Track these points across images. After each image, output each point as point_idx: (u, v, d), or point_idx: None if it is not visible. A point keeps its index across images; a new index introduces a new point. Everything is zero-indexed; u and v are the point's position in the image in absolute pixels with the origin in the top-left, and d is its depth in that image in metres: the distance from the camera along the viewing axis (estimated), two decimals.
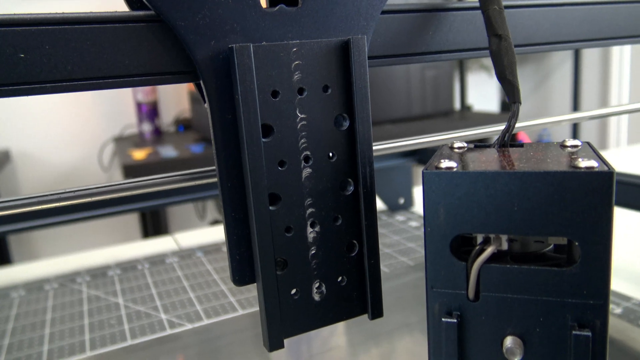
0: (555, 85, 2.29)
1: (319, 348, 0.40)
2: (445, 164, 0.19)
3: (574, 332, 0.18)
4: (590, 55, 2.15)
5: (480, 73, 2.33)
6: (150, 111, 1.60)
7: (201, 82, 0.21)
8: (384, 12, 0.24)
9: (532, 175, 0.18)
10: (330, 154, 0.23)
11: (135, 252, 0.64)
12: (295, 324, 0.23)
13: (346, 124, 0.23)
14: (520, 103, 0.23)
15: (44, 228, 0.58)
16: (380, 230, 0.64)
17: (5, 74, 0.18)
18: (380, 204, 0.71)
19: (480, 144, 0.24)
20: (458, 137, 0.26)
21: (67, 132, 1.65)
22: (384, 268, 0.52)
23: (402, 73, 1.73)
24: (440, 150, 0.23)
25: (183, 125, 1.73)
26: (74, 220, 0.59)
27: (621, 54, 2.06)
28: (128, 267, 0.60)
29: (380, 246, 0.59)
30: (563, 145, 0.22)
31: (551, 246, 0.21)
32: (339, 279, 0.24)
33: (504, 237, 0.20)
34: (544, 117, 0.34)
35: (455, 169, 0.19)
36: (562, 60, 2.26)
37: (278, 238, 0.22)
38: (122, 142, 1.60)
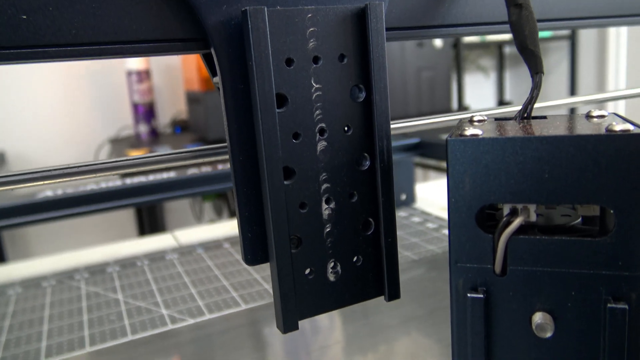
0: (553, 82, 2.30)
1: (322, 341, 0.39)
2: (470, 131, 0.19)
3: (608, 305, 0.17)
4: (587, 44, 2.15)
5: (477, 74, 2.33)
6: (146, 112, 1.59)
7: (212, 50, 0.20)
8: None
9: (565, 140, 0.17)
10: (346, 127, 0.22)
11: (134, 249, 0.63)
12: (310, 305, 0.22)
13: (362, 95, 0.22)
14: (544, 73, 0.22)
15: (39, 223, 0.56)
16: None
17: (6, 37, 0.17)
18: None
19: (501, 117, 0.23)
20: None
21: (62, 134, 1.63)
22: None
23: (399, 74, 1.73)
24: (460, 123, 0.22)
25: (180, 126, 1.72)
26: (68, 215, 0.57)
27: (617, 39, 2.06)
28: (127, 263, 0.59)
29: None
30: (589, 116, 0.21)
31: (579, 219, 0.20)
32: (355, 258, 0.23)
33: (532, 208, 0.19)
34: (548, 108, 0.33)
35: (481, 136, 0.18)
36: (559, 60, 2.27)
37: (292, 214, 0.21)
38: (119, 143, 1.59)
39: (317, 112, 0.21)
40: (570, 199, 0.17)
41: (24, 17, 0.17)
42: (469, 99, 2.28)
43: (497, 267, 0.19)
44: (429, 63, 1.78)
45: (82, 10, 0.18)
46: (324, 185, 0.22)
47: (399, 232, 0.61)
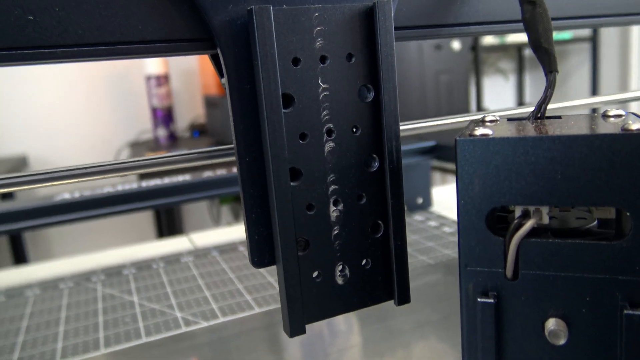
0: (573, 85, 2.26)
1: (337, 345, 0.38)
2: (480, 131, 0.18)
3: (625, 312, 0.17)
4: (608, 45, 2.11)
5: (497, 77, 2.31)
6: (165, 116, 1.61)
7: (218, 50, 0.20)
8: None
9: (578, 139, 0.16)
10: (354, 128, 0.22)
11: (150, 251, 0.64)
12: (318, 308, 0.22)
13: (371, 95, 0.22)
14: (558, 72, 0.21)
15: (58, 225, 0.57)
16: None
17: (13, 38, 0.17)
18: None
19: (513, 117, 0.22)
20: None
21: (83, 138, 1.65)
22: None
23: (417, 77, 1.72)
24: (471, 123, 0.22)
25: (198, 130, 1.73)
26: (87, 217, 0.58)
27: None
28: (143, 266, 0.59)
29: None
30: (605, 115, 0.20)
31: (595, 222, 0.19)
32: (364, 261, 0.23)
33: (545, 210, 0.18)
34: (566, 108, 0.32)
35: (491, 136, 0.18)
36: (580, 62, 2.23)
37: (299, 216, 0.21)
38: (138, 147, 1.61)
39: (325, 112, 0.21)
40: (584, 201, 0.17)
41: (31, 17, 0.18)
42: (488, 102, 2.25)
43: (509, 271, 0.18)
44: (447, 66, 1.77)
45: (89, 10, 0.18)
46: (332, 187, 0.21)
47: (415, 236, 0.60)
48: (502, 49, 2.19)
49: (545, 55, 0.22)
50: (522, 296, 0.18)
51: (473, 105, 1.99)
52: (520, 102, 2.39)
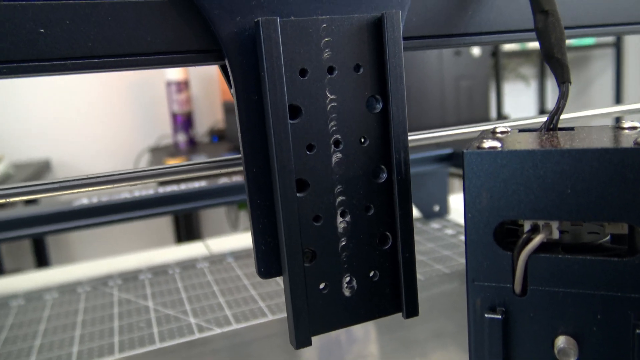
0: (596, 92, 2.22)
1: (350, 356, 0.38)
2: (488, 143, 0.18)
3: (637, 331, 0.16)
4: (633, 50, 2.07)
5: (518, 83, 2.28)
6: (185, 122, 1.63)
7: (226, 61, 0.20)
8: None
9: (589, 153, 0.16)
10: (362, 139, 0.22)
11: (166, 256, 0.64)
12: (324, 320, 0.22)
13: (379, 106, 0.22)
14: (571, 83, 0.21)
15: (79, 230, 0.58)
16: (415, 238, 0.62)
17: (24, 50, 0.18)
18: (414, 212, 0.68)
19: (525, 128, 0.22)
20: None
21: (105, 142, 1.68)
22: (418, 276, 0.50)
23: (436, 83, 1.71)
24: (481, 134, 0.21)
25: (217, 135, 1.74)
26: (107, 222, 0.59)
27: None
28: (159, 271, 0.60)
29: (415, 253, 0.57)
30: (619, 127, 0.20)
31: (608, 237, 0.19)
32: (371, 273, 0.22)
33: (555, 225, 0.18)
34: (585, 118, 0.32)
35: (499, 149, 0.17)
36: (603, 68, 2.19)
37: (306, 227, 0.21)
38: (158, 152, 1.63)
39: (332, 123, 0.21)
40: (594, 217, 0.16)
41: (42, 30, 0.18)
42: (509, 108, 2.23)
43: (517, 287, 0.18)
44: (467, 72, 1.75)
45: (98, 23, 0.18)
46: (339, 198, 0.21)
47: (430, 244, 0.60)
48: (524, 54, 2.17)
49: (558, 66, 0.21)
50: (531, 312, 0.18)
51: (493, 111, 1.97)
52: (542, 109, 2.36)
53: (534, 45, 2.01)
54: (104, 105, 1.67)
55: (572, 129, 0.21)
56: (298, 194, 0.21)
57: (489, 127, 0.22)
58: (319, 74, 0.20)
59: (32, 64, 0.18)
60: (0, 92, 1.52)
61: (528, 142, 0.18)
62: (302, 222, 0.21)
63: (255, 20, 0.19)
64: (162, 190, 0.62)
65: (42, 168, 1.52)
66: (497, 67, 1.95)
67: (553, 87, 2.38)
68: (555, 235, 0.18)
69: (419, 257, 0.56)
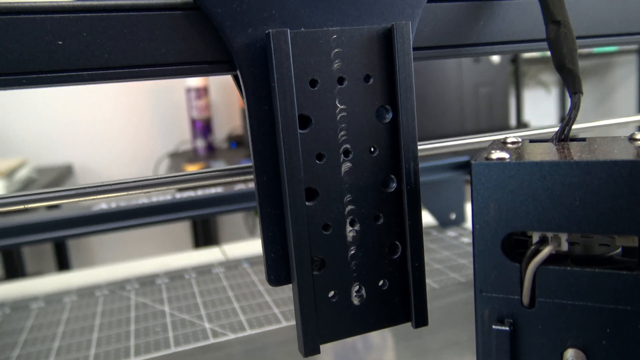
0: (619, 99, 2.18)
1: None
2: (496, 154, 0.18)
3: None
4: None
5: (538, 90, 2.25)
6: (204, 127, 1.64)
7: (238, 71, 0.20)
8: (431, 0, 0.23)
9: (597, 165, 0.16)
10: (372, 148, 0.22)
11: (183, 261, 0.65)
12: (333, 328, 0.22)
13: (389, 116, 0.22)
14: (582, 94, 0.21)
15: (100, 234, 0.59)
16: (430, 246, 0.61)
17: (44, 62, 0.18)
18: (430, 219, 0.68)
19: (536, 139, 0.22)
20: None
21: (125, 147, 1.71)
22: (433, 284, 0.50)
23: (456, 90, 1.70)
24: (492, 144, 0.21)
25: (235, 141, 1.76)
26: (128, 226, 0.59)
27: None
28: (176, 276, 0.60)
29: (430, 262, 0.57)
30: (633, 139, 0.19)
31: (619, 250, 0.19)
32: (380, 282, 0.22)
33: (564, 237, 0.17)
34: (602, 127, 0.31)
35: (507, 160, 0.17)
36: (626, 75, 2.16)
37: (315, 235, 0.21)
38: (177, 157, 1.65)
39: (342, 133, 0.21)
40: (603, 229, 0.16)
41: (60, 42, 0.18)
42: (529, 115, 2.20)
43: (525, 299, 0.18)
44: (487, 79, 1.74)
45: (114, 35, 0.19)
46: (349, 207, 0.22)
47: (446, 252, 0.59)
48: (544, 61, 2.14)
49: (570, 76, 0.21)
50: (540, 325, 0.18)
51: (513, 119, 1.95)
52: (563, 116, 2.33)
53: None
54: (125, 111, 1.70)
55: (583, 139, 0.21)
56: (308, 203, 0.21)
57: (500, 137, 0.22)
58: (329, 85, 0.21)
59: (50, 75, 0.19)
60: (26, 98, 1.56)
61: (537, 154, 0.18)
62: (312, 231, 0.21)
63: (266, 31, 0.20)
64: (179, 195, 0.63)
65: (65, 172, 1.55)
66: (517, 74, 1.93)
67: None
68: (564, 247, 0.18)
69: (434, 265, 0.55)
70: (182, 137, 1.75)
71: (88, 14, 0.19)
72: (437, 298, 0.47)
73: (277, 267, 0.22)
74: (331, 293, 0.22)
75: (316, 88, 0.20)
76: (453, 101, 1.71)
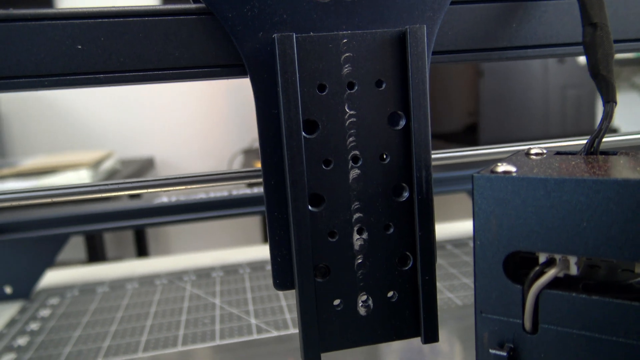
0: None
1: None
2: (503, 167, 0.17)
3: None
4: None
5: (631, 93, 2.08)
6: None
7: (248, 75, 0.20)
8: (455, 2, 0.22)
9: (604, 184, 0.14)
10: (384, 155, 0.21)
11: (239, 256, 0.67)
12: (337, 337, 0.21)
13: (402, 122, 0.21)
14: (616, 103, 0.19)
15: (177, 224, 0.61)
16: (461, 259, 0.59)
17: (64, 65, 0.19)
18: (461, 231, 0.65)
19: (564, 151, 0.20)
20: (545, 147, 0.23)
21: (202, 143, 1.78)
22: (456, 300, 0.48)
23: (540, 92, 1.61)
24: (513, 155, 0.20)
25: None
26: (202, 218, 0.61)
27: None
28: (230, 270, 0.62)
29: (458, 275, 0.54)
30: None
31: None
32: (390, 294, 0.22)
33: (573, 260, 0.16)
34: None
35: (514, 174, 0.16)
36: None
37: (320, 242, 0.21)
38: (251, 154, 1.69)
39: (351, 139, 0.21)
40: (613, 254, 0.15)
41: (80, 47, 0.19)
42: (619, 121, 2.04)
43: (527, 323, 0.16)
44: (574, 81, 1.63)
45: (130, 40, 0.20)
46: (356, 215, 0.21)
47: (469, 268, 0.56)
48: (638, 62, 1.98)
49: (603, 84, 0.19)
50: (542, 352, 0.16)
51: None
52: None
53: None
54: (204, 109, 1.77)
55: (614, 153, 0.19)
56: (313, 209, 0.21)
57: (524, 147, 0.20)
58: (338, 89, 0.20)
59: (70, 77, 0.20)
60: (113, 94, 1.67)
61: (550, 168, 0.17)
62: (316, 237, 0.21)
63: (273, 36, 0.19)
64: (249, 191, 0.64)
65: (146, 165, 1.64)
66: None
67: None
68: (573, 270, 0.16)
69: (462, 280, 0.53)
70: (256, 134, 1.80)
71: (106, 20, 0.19)
72: (462, 318, 0.44)
73: (282, 272, 0.21)
74: (336, 301, 0.21)
75: (325, 93, 0.20)
76: (537, 104, 1.62)
